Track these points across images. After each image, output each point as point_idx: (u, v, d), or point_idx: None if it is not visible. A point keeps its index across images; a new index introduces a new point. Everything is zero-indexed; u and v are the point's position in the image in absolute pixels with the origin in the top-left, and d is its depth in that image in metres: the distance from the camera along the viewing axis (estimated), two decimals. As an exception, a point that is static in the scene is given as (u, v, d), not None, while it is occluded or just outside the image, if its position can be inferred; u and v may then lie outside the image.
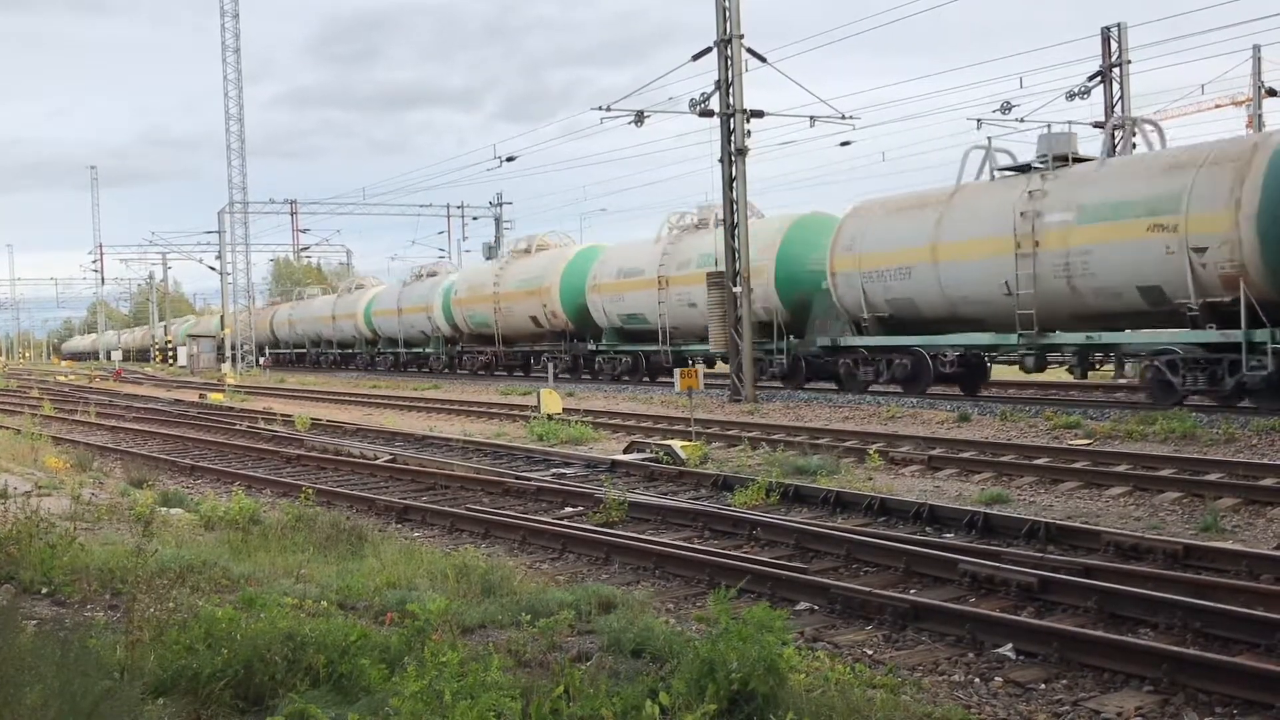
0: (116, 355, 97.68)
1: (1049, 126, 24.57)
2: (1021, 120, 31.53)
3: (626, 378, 34.06)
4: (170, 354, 79.47)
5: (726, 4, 25.04)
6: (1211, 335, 18.17)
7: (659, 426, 20.64)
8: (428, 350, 49.01)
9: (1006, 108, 31.40)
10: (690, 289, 29.56)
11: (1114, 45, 30.54)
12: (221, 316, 63.72)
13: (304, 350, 65.58)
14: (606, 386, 32.07)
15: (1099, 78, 30.73)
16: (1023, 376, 25.42)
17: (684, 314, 30.47)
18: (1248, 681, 5.71)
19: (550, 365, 35.56)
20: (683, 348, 30.82)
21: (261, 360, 62.32)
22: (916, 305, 23.55)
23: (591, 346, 35.53)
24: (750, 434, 18.56)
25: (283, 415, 25.86)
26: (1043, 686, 6.11)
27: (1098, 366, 22.05)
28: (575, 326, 36.28)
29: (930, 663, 6.59)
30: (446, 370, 46.74)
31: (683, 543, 10.02)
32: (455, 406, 27.97)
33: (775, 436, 18.21)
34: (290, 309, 68.24)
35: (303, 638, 5.39)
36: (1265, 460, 13.67)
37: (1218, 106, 40.65)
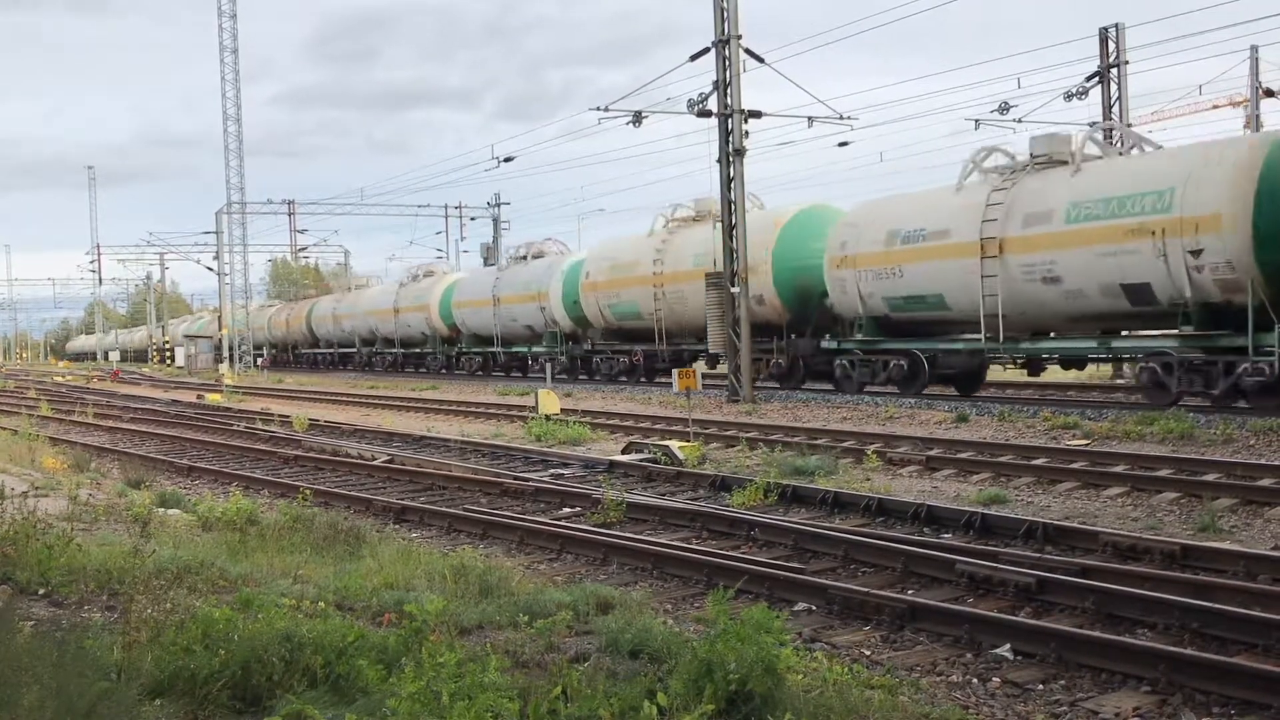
0: (114, 356, 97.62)
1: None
2: (1019, 121, 31.60)
3: (893, 387, 24.41)
4: (168, 354, 79.45)
5: (724, 4, 25.05)
6: None
7: (657, 427, 20.63)
8: (537, 349, 39.54)
9: (1004, 108, 31.47)
10: (1053, 258, 20.03)
11: (1112, 46, 30.58)
12: (219, 316, 63.59)
13: (352, 350, 56.58)
14: (838, 398, 24.02)
15: (1097, 78, 30.76)
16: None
17: (1034, 294, 20.69)
18: (1245, 682, 5.72)
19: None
20: (1021, 345, 21.80)
21: (260, 361, 62.25)
22: None
23: (830, 344, 25.86)
24: (748, 434, 18.56)
25: (280, 416, 25.86)
26: (1041, 687, 6.11)
27: None
28: (792, 316, 27.23)
29: (928, 663, 6.59)
30: (564, 375, 36.66)
31: (681, 543, 10.01)
32: (453, 407, 27.96)
33: (773, 437, 18.21)
34: (335, 302, 59.33)
35: (300, 638, 5.39)
36: (1263, 460, 13.67)
37: (1215, 107, 40.68)
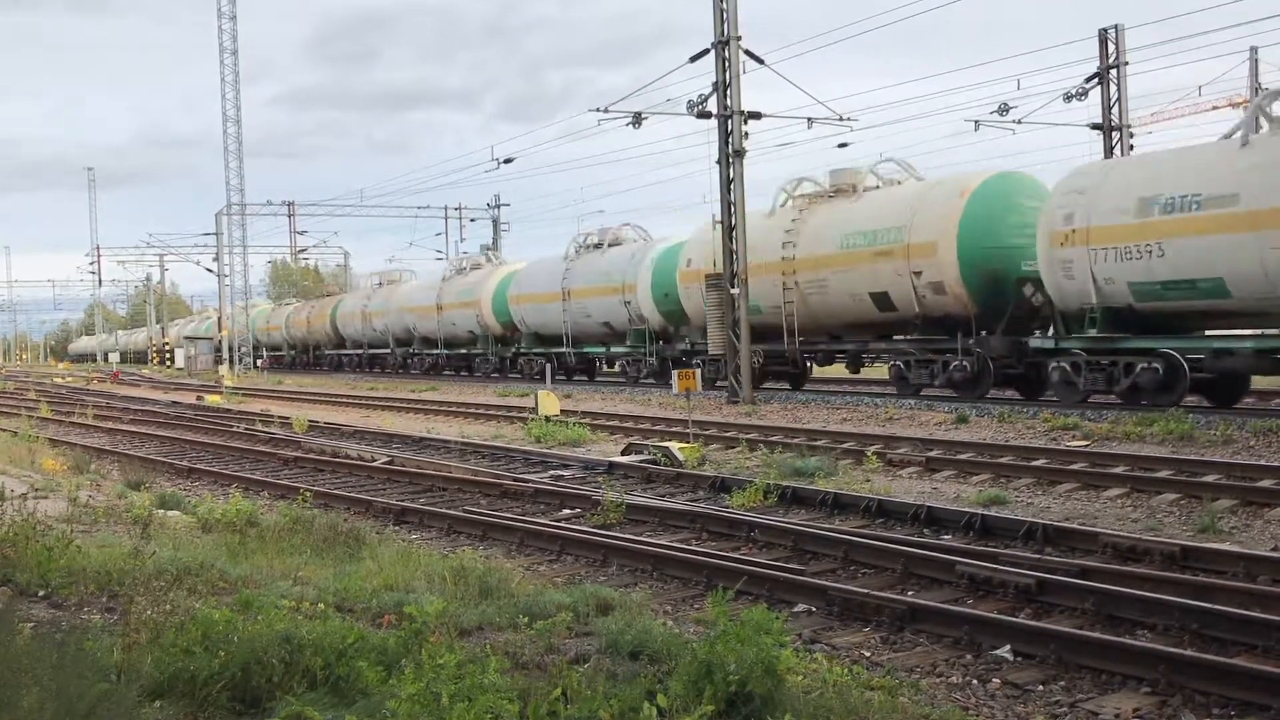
0: (114, 357, 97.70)
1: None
2: (1019, 122, 31.58)
3: (1114, 397, 19.88)
4: (167, 356, 79.48)
5: (724, 6, 25.07)
6: None
7: (656, 428, 20.63)
8: (617, 350, 34.75)
9: (1004, 109, 31.45)
10: None
11: (1111, 47, 30.59)
12: (219, 318, 63.55)
13: (384, 351, 52.02)
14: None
15: (1096, 79, 30.77)
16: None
17: None
18: (1245, 683, 5.72)
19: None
20: None
21: (260, 362, 62.22)
22: None
23: (1043, 341, 20.99)
24: (748, 435, 18.56)
25: (280, 417, 25.87)
26: (1041, 688, 6.11)
27: None
28: (981, 308, 22.21)
29: (928, 664, 6.59)
30: (650, 380, 32.34)
31: (680, 544, 10.02)
32: (453, 408, 27.95)
33: (773, 438, 18.20)
34: (364, 299, 54.51)
35: (300, 640, 5.38)
36: (1263, 461, 13.68)
37: (1215, 108, 40.70)
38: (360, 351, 55.46)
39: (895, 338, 24.97)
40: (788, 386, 28.11)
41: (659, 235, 35.49)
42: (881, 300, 23.75)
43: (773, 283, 26.18)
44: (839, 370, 30.00)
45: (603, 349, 35.62)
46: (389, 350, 51.59)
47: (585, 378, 37.16)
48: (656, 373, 32.11)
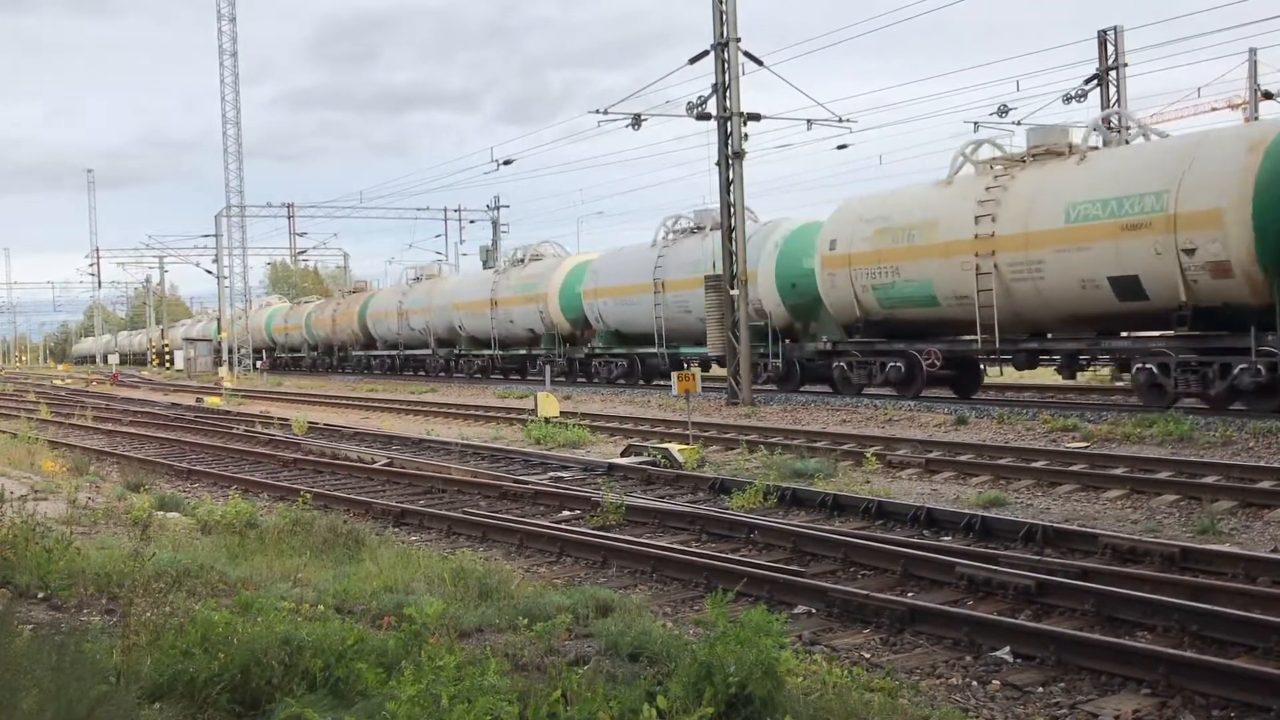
0: (114, 359, 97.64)
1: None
2: (1018, 123, 31.60)
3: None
4: (167, 357, 79.49)
5: (723, 7, 25.09)
6: None
7: (656, 430, 20.62)
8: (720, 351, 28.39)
9: (1003, 110, 31.47)
10: None
11: (1110, 48, 30.60)
12: (219, 320, 63.52)
13: (424, 352, 47.64)
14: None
15: (1096, 81, 30.79)
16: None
17: None
18: (1245, 684, 5.72)
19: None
20: None
21: (259, 364, 62.19)
22: None
23: None
24: (748, 437, 18.56)
25: (280, 419, 25.87)
26: (1040, 689, 6.12)
27: None
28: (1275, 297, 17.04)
29: (928, 665, 6.60)
30: (773, 386, 26.78)
31: (680, 546, 10.02)
32: (452, 410, 27.95)
33: (773, 439, 18.19)
34: (400, 295, 49.93)
35: (300, 641, 5.38)
36: (1262, 463, 13.67)
37: (1214, 110, 40.75)
38: (394, 353, 50.71)
39: (1129, 334, 20.11)
40: (952, 394, 23.84)
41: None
42: (1127, 286, 18.61)
43: (961, 266, 21.32)
44: (1040, 375, 25.06)
45: (703, 349, 29.76)
46: (429, 351, 47.04)
47: (665, 381, 31.21)
48: (781, 378, 26.70)
